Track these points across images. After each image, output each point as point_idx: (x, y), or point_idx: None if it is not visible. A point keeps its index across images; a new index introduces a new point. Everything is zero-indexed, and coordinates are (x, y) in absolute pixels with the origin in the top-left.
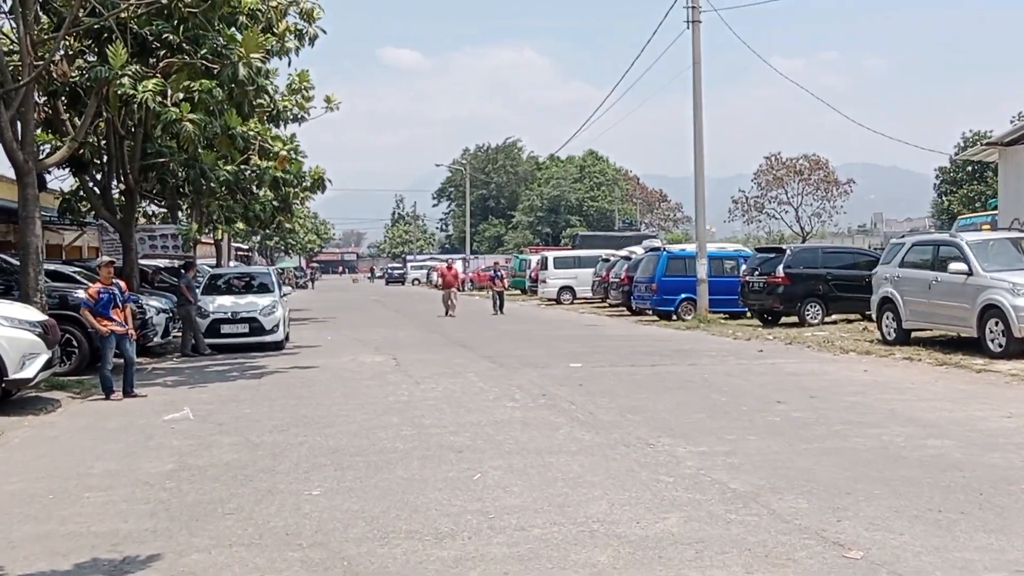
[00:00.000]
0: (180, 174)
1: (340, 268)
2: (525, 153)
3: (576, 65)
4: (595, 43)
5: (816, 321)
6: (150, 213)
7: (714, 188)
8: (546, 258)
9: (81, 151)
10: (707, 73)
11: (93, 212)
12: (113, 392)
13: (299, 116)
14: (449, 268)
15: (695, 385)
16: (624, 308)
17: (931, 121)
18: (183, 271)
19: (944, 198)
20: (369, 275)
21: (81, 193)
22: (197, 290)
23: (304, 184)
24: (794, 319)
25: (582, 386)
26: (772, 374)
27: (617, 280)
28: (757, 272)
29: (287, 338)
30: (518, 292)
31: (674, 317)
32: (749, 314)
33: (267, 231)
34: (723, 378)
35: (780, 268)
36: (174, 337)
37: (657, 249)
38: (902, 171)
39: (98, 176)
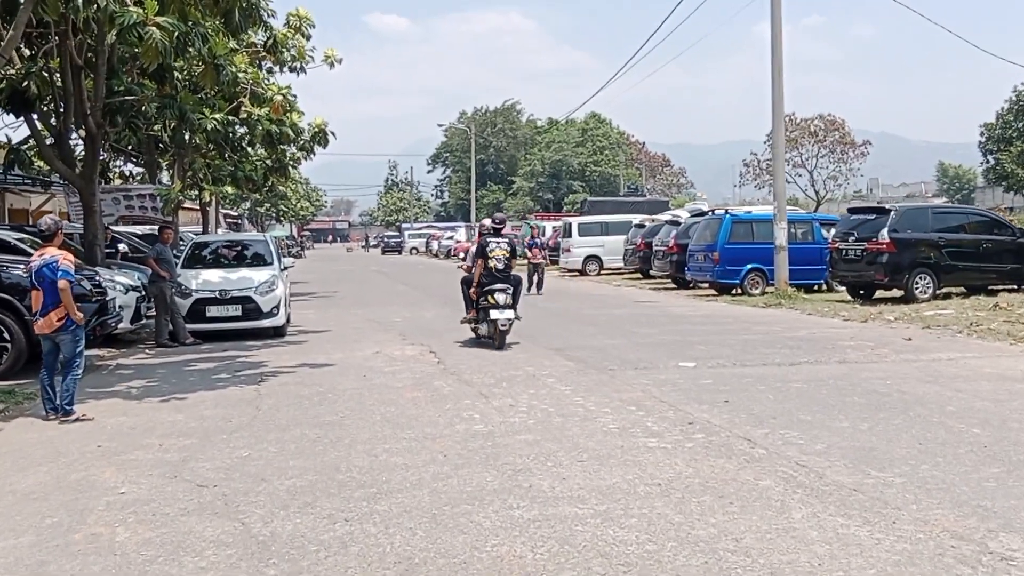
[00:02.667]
0: (155, 120)
1: (331, 237)
2: (524, 116)
3: (566, 29)
4: (583, 6)
5: (926, 296)
6: (128, 174)
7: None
8: (569, 224)
9: (25, 83)
10: (704, 45)
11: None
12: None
13: (297, 64)
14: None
15: (894, 402)
16: (670, 280)
17: (918, 87)
18: (157, 239)
19: (989, 157)
20: (363, 244)
21: (31, 141)
22: (177, 262)
23: (302, 140)
24: (893, 293)
25: (729, 403)
26: (984, 379)
27: (663, 248)
28: (853, 238)
29: (288, 321)
30: (525, 262)
31: (736, 291)
32: (825, 287)
33: (259, 195)
34: (919, 387)
35: (884, 232)
36: (149, 319)
37: (704, 213)
38: (889, 136)
39: (52, 121)
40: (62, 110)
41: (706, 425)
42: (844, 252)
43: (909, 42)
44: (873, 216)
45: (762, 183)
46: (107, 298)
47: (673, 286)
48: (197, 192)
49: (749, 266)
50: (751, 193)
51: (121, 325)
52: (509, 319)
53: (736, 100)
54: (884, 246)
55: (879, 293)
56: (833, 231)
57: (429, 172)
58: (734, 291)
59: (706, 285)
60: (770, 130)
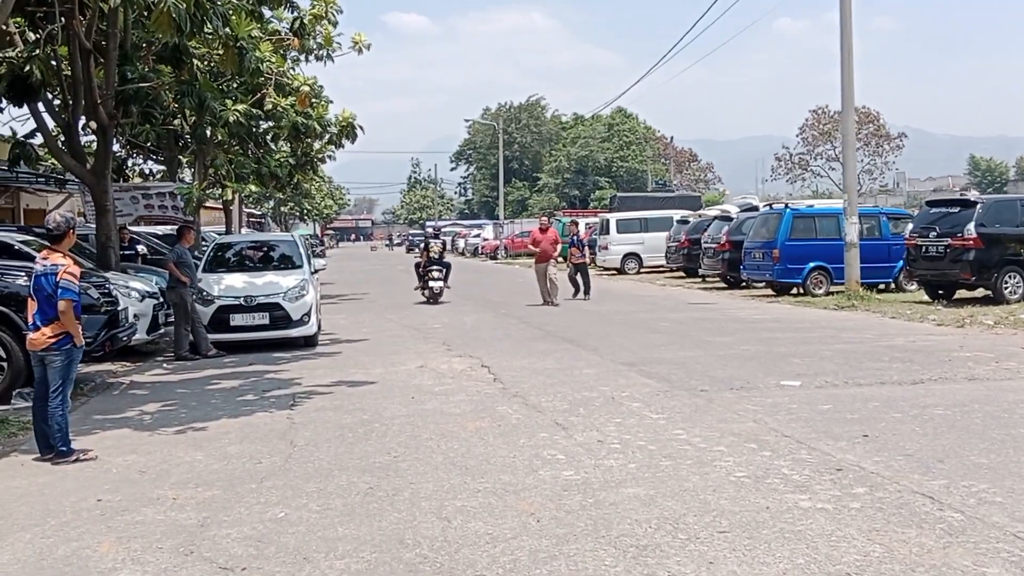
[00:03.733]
0: (173, 110)
1: (354, 235)
2: (549, 112)
3: (585, 27)
4: (604, 3)
5: (1015, 297)
6: (148, 172)
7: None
8: (607, 220)
9: (27, 68)
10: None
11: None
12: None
13: (323, 52)
14: (544, 230)
15: None
16: (720, 279)
17: (943, 82)
18: (177, 240)
19: None
20: (387, 242)
21: (37, 134)
22: (198, 266)
23: (329, 133)
24: (975, 294)
25: (869, 439)
26: None
27: (714, 246)
28: (934, 233)
29: (320, 329)
30: (560, 260)
31: (798, 291)
32: (894, 286)
33: (283, 193)
34: None
35: (971, 227)
36: (169, 327)
37: (755, 207)
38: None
39: (61, 112)
40: (70, 100)
41: (860, 473)
42: (924, 249)
43: (931, 35)
44: (957, 209)
45: (794, 177)
46: (118, 308)
47: (723, 286)
48: (220, 190)
49: (812, 264)
50: (783, 188)
51: (136, 336)
52: (440, 286)
53: (756, 95)
54: (970, 242)
55: (959, 293)
56: (910, 226)
57: (452, 169)
58: (794, 291)
59: (761, 285)
60: (801, 124)
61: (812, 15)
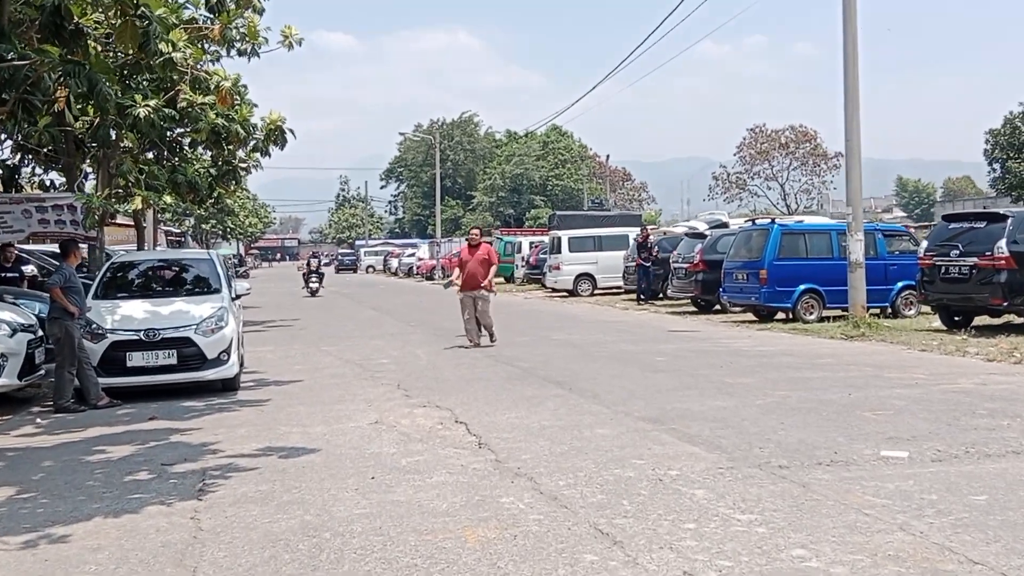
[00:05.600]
0: (65, 102)
1: (279, 255)
2: (482, 129)
3: (512, 48)
4: (529, 26)
5: None
6: (49, 183)
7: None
8: (559, 239)
9: None
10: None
11: None
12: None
13: (247, 46)
14: (474, 247)
15: None
16: (690, 303)
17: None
18: (62, 260)
19: (995, 166)
20: (307, 264)
21: None
22: (86, 292)
23: (255, 139)
24: (995, 320)
25: None
26: None
27: (685, 266)
28: (956, 251)
29: (243, 366)
30: (501, 280)
31: (787, 317)
32: (891, 311)
33: (203, 209)
34: None
35: (1003, 244)
36: (50, 368)
37: (724, 225)
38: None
39: None
40: None
41: None
42: (943, 269)
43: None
44: (982, 224)
45: (731, 196)
46: None
47: (693, 309)
48: (127, 203)
49: (803, 287)
50: (720, 206)
51: (1, 383)
52: (317, 287)
53: (681, 118)
54: (1002, 261)
55: (977, 320)
56: (924, 244)
57: (382, 188)
58: (780, 317)
59: (738, 310)
60: (739, 143)
61: (733, 40)
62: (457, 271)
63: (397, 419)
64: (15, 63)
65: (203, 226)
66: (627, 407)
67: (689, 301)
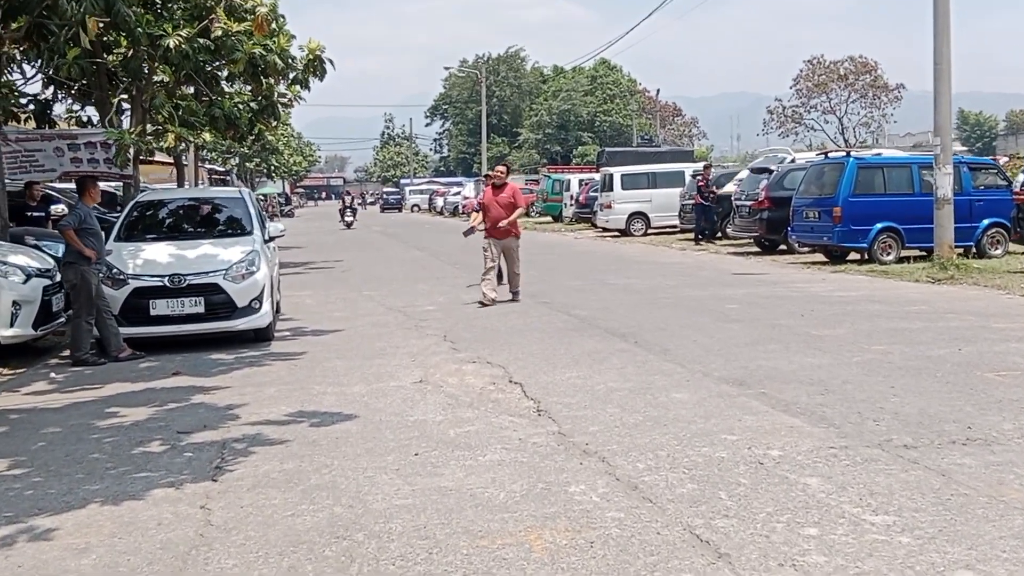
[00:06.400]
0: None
1: (324, 194)
2: (529, 64)
3: None
4: None
5: None
6: (86, 119)
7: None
8: (610, 176)
9: None
10: None
11: None
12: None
13: None
14: (498, 188)
15: None
16: (753, 244)
17: (917, 39)
18: (78, 198)
19: None
20: (360, 201)
21: None
22: (109, 232)
23: (294, 70)
24: None
25: None
26: None
27: (749, 204)
28: None
29: (278, 313)
30: (549, 219)
31: (863, 257)
32: (975, 251)
33: (245, 146)
34: None
35: None
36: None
37: (790, 161)
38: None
39: None
40: None
41: None
42: None
43: None
44: None
45: (787, 131)
46: None
47: (756, 250)
48: (161, 139)
49: (880, 225)
50: (773, 141)
51: (11, 332)
52: (351, 220)
53: (730, 53)
54: None
55: None
56: (1021, 177)
57: (427, 125)
58: (853, 257)
59: (807, 250)
60: (795, 75)
61: None
62: (475, 215)
63: (444, 377)
64: None
65: (247, 164)
66: (704, 365)
67: (751, 241)
